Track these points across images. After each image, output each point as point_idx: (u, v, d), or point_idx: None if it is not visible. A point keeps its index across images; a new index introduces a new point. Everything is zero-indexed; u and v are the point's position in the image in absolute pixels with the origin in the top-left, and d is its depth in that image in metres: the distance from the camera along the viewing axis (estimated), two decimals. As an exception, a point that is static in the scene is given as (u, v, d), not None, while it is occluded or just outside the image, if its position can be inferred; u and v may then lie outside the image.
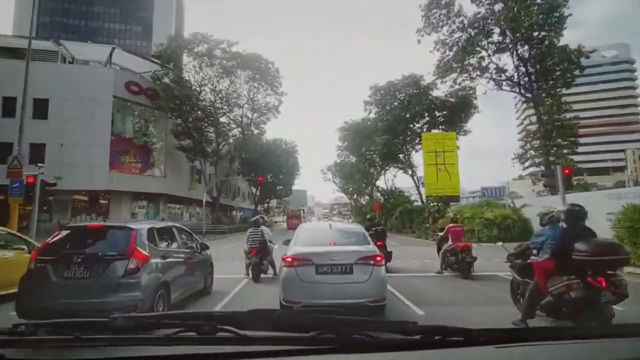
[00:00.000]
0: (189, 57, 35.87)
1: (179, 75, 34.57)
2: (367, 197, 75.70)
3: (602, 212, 17.58)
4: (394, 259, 12.55)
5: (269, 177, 61.50)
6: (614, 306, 4.77)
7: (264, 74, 38.68)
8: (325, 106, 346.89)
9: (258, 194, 64.03)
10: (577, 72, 26.20)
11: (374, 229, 12.01)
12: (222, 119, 39.95)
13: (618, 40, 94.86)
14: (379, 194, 59.32)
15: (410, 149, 38.59)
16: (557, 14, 25.00)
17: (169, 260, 6.36)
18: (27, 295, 5.23)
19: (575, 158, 28.27)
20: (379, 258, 6.01)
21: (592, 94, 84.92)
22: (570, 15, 25.43)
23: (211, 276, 8.65)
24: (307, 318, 1.69)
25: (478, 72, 28.82)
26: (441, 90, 34.13)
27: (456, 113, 34.38)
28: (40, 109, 27.81)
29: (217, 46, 35.55)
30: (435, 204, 29.85)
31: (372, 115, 40.53)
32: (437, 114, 35.57)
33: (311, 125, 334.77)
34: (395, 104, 36.15)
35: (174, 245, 7.04)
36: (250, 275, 10.20)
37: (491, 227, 20.84)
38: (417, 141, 37.76)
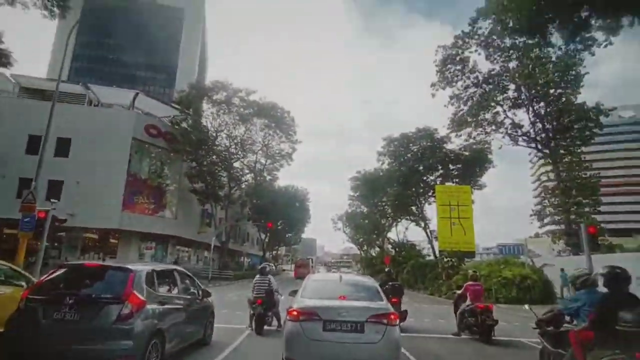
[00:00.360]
0: (208, 103, 36.96)
1: (197, 121, 35.49)
2: (377, 249, 74.29)
3: (632, 276, 16.71)
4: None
5: (278, 223, 61.12)
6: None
7: (279, 122, 39.48)
8: (339, 156, 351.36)
9: (267, 240, 63.36)
10: (596, 130, 26.02)
11: (390, 283, 11.25)
12: (236, 164, 40.47)
13: (635, 101, 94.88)
14: (389, 246, 58.08)
15: (423, 202, 38.06)
16: (574, 72, 25.26)
17: (167, 306, 5.91)
18: (13, 337, 4.82)
19: (597, 218, 27.26)
20: (393, 317, 5.52)
21: (611, 152, 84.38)
22: (587, 73, 25.74)
23: (211, 326, 8.11)
24: None
25: (493, 127, 28.92)
26: (455, 143, 34.23)
27: (471, 167, 34.08)
28: (63, 147, 28.86)
29: (235, 94, 36.68)
30: (449, 259, 28.80)
31: (385, 166, 40.54)
32: (451, 167, 35.25)
33: (324, 174, 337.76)
34: (409, 155, 36.08)
35: (175, 290, 6.62)
36: (253, 327, 9.56)
37: (509, 287, 19.78)
38: (430, 194, 37.32)
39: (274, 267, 47.73)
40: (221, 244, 39.21)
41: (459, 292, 11.06)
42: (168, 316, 5.85)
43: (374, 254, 73.33)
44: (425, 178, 36.33)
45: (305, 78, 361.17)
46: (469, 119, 28.99)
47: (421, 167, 35.80)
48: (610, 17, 9.69)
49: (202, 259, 43.56)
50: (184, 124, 34.57)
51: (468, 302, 10.09)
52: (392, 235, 55.13)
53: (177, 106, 37.07)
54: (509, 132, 28.47)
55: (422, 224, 37.98)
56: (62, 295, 4.98)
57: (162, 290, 6.08)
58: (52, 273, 5.57)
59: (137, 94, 33.90)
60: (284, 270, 69.89)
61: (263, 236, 61.84)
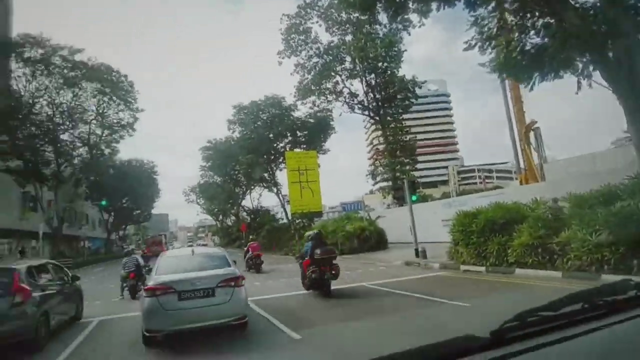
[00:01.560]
0: (18, 62, 30.39)
1: (4, 83, 29.05)
2: (233, 218, 74.64)
3: (438, 219, 20.72)
4: (265, 280, 13.56)
5: (124, 201, 55.73)
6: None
7: (115, 88, 35.19)
8: (186, 124, 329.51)
9: (111, 220, 57.26)
10: (413, 100, 30.80)
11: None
12: (64, 137, 34.82)
13: (437, 76, 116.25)
14: (245, 214, 58.96)
15: (275, 168, 39.46)
16: (396, 49, 29.16)
17: (46, 292, 7.36)
18: None
19: (414, 174, 32.69)
20: (239, 279, 6.38)
21: (423, 119, 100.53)
22: (405, 51, 30.03)
23: (82, 303, 9.50)
24: None
25: (334, 96, 31.47)
26: (302, 111, 36.15)
27: (316, 133, 36.54)
28: None
29: (55, 53, 30.98)
30: (300, 220, 30.99)
31: (236, 135, 40.39)
32: (298, 133, 37.21)
33: (172, 145, 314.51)
34: (259, 123, 36.69)
35: (50, 278, 8.03)
36: (125, 296, 12.06)
37: (352, 239, 22.56)
38: (280, 160, 38.93)
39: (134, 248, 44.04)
40: (53, 231, 33.91)
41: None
42: (49, 300, 7.30)
43: (230, 224, 73.42)
44: (275, 145, 37.57)
45: (142, 42, 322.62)
46: (313, 87, 30.91)
47: (271, 135, 36.84)
48: (423, 1, 11.48)
49: (29, 249, 37.05)
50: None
51: (250, 254, 17.41)
52: (247, 203, 55.92)
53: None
54: (347, 100, 31.52)
55: (275, 190, 39.56)
56: None
57: (41, 280, 7.53)
58: None
59: None
60: (133, 250, 63.93)
61: (106, 216, 55.54)
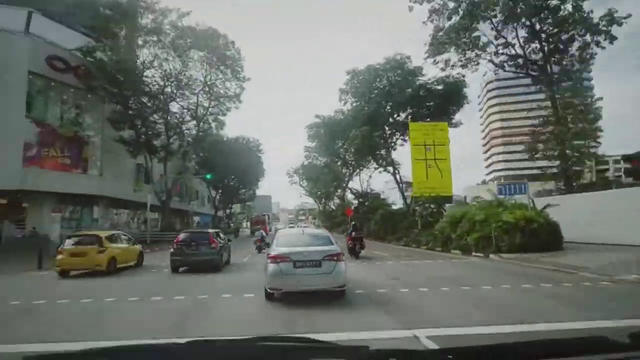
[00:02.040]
0: (130, 30, 29.57)
1: (117, 49, 28.30)
2: (337, 201, 71.48)
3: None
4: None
5: (231, 178, 55.68)
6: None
7: (221, 56, 33.03)
8: (292, 102, 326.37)
9: (219, 197, 57.80)
10: (603, 45, 21.53)
11: (354, 233, 18.00)
12: (173, 108, 33.92)
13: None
14: (351, 197, 54.96)
15: (393, 145, 34.02)
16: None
17: (220, 245, 14.51)
18: (175, 255, 13.55)
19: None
20: (340, 255, 7.82)
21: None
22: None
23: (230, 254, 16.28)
24: (250, 350, 1.54)
25: (476, 51, 24.69)
26: (428, 76, 30.11)
27: (445, 103, 30.16)
28: None
29: (165, 17, 29.45)
30: (428, 205, 25.38)
31: (347, 107, 35.76)
32: (427, 103, 31.01)
33: (276, 124, 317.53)
34: (376, 92, 31.49)
35: (222, 239, 15.69)
36: (257, 251, 20.34)
37: (512, 232, 16.44)
38: (398, 136, 33.45)
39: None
40: (162, 203, 33.43)
41: None
42: (221, 249, 14.51)
43: (333, 207, 70.25)
44: (395, 116, 32.12)
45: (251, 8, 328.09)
46: (452, 35, 24.17)
47: (389, 106, 31.51)
48: None
49: (142, 220, 37.65)
50: (99, 54, 27.20)
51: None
52: (354, 185, 51.49)
53: (89, 32, 29.16)
54: (499, 52, 24.35)
55: (391, 170, 34.17)
56: (189, 241, 13.57)
57: (218, 239, 14.91)
58: (178, 235, 14.45)
59: (30, 12, 25.73)
60: (238, 229, 64.58)
61: (214, 193, 56.15)
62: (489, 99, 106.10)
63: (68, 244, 13.32)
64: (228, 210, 75.09)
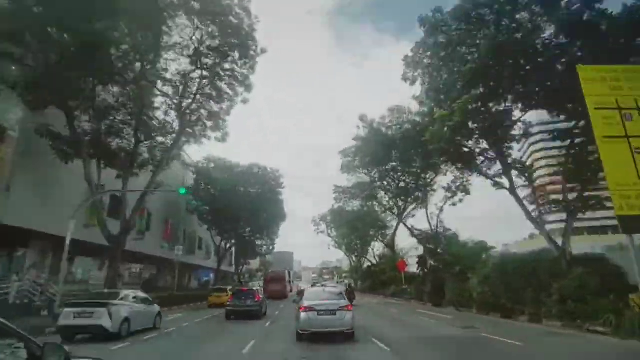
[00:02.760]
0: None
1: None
2: (378, 251, 56.67)
3: None
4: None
5: (246, 231, 42.16)
6: None
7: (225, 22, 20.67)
8: (314, 171, 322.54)
9: (228, 248, 43.65)
10: None
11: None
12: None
13: None
14: (407, 244, 40.21)
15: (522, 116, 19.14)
16: None
17: (261, 299, 19.75)
18: (230, 306, 18.72)
19: None
20: (349, 307, 11.47)
21: None
22: None
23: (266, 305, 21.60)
24: None
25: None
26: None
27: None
28: None
29: None
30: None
31: (416, 91, 22.17)
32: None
33: (296, 181, 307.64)
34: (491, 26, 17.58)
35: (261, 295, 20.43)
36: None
37: None
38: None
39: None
40: (110, 242, 19.57)
41: None
42: (262, 302, 19.87)
43: (374, 261, 54.62)
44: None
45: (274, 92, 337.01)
46: None
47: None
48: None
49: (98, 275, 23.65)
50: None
51: None
52: (414, 222, 36.28)
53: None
54: None
55: (520, 179, 19.03)
56: (240, 294, 19.38)
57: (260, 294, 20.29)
58: (234, 289, 21.60)
59: None
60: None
61: (219, 241, 41.75)
62: None
63: None
64: (244, 266, 60.78)
